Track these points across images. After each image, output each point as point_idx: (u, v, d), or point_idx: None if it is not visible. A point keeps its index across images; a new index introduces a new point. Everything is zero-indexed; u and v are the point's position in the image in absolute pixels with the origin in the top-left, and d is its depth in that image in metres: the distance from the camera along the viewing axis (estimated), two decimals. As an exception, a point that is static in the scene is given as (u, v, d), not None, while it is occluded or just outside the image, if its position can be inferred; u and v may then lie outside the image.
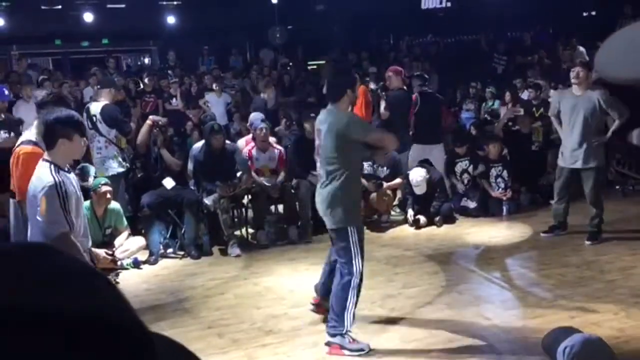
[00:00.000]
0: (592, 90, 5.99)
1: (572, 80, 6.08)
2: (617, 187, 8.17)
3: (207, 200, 6.49)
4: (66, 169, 3.43)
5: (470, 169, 7.78)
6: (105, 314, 0.43)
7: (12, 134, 6.87)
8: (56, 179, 3.28)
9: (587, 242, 6.16)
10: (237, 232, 6.94)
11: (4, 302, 0.40)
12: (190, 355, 0.55)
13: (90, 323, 0.42)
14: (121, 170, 6.55)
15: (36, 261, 0.45)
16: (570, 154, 6.12)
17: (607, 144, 6.37)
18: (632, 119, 5.88)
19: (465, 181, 7.78)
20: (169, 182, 6.61)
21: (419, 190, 7.14)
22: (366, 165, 7.41)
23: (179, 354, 0.55)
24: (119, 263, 6.00)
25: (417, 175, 7.13)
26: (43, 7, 14.09)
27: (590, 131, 5.99)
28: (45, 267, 0.45)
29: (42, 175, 3.32)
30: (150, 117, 6.95)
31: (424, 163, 7.33)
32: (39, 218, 3.29)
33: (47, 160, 3.38)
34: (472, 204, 7.56)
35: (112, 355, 0.42)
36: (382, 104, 7.86)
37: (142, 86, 10.82)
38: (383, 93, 7.96)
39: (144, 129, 6.77)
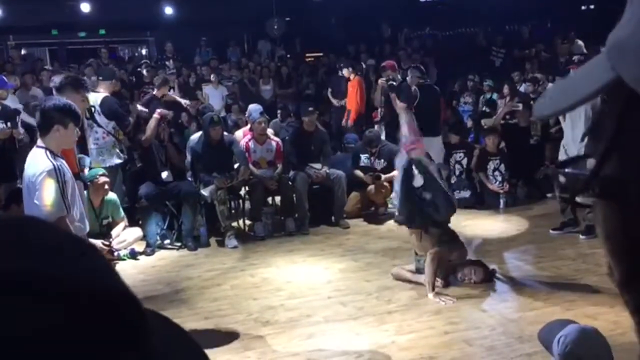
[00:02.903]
0: None
1: None
2: None
3: (205, 192, 6.48)
4: (60, 156, 3.45)
5: (465, 161, 7.79)
6: (97, 284, 0.44)
7: (9, 124, 6.85)
8: (54, 163, 3.30)
9: (582, 237, 6.13)
10: (234, 224, 6.95)
11: None
12: (185, 334, 0.55)
13: (81, 292, 0.42)
14: (119, 161, 6.53)
15: (25, 232, 0.45)
16: (574, 148, 6.10)
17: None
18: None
19: (458, 172, 7.80)
20: (166, 173, 6.59)
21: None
22: (363, 158, 7.41)
23: (173, 330, 0.55)
24: (115, 254, 5.99)
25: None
26: (40, -3, 14.03)
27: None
28: (35, 237, 0.45)
29: (39, 160, 3.34)
30: (158, 110, 6.86)
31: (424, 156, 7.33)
32: (36, 202, 3.30)
33: (41, 147, 3.40)
34: (466, 194, 7.58)
35: (104, 324, 0.42)
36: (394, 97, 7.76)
37: (146, 74, 10.74)
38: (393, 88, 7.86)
39: (152, 123, 6.61)
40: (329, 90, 10.82)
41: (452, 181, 7.75)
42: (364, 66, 11.23)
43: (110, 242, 5.96)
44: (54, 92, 4.25)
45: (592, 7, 15.40)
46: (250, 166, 6.93)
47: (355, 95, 9.78)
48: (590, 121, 5.96)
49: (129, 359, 0.43)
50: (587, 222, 6.18)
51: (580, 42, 11.38)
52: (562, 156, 6.32)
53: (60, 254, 0.44)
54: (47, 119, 3.41)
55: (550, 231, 6.48)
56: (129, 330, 0.43)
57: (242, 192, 7.14)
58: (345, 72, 10.01)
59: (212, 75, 11.10)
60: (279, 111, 10.07)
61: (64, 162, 3.46)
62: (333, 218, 7.12)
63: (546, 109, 0.66)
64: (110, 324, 0.42)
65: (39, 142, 3.46)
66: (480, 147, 7.97)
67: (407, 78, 8.09)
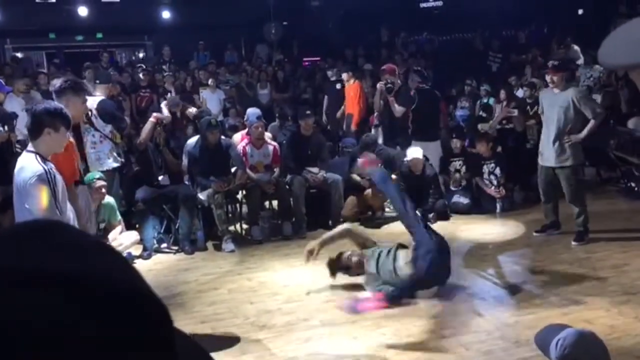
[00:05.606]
0: (568, 89, 6.06)
1: (549, 85, 6.14)
2: (622, 183, 8.21)
3: (202, 196, 6.48)
4: (49, 160, 3.43)
5: (464, 168, 7.80)
6: (121, 283, 0.44)
7: (6, 127, 6.83)
8: (45, 167, 3.28)
9: (574, 243, 6.09)
10: (231, 228, 6.95)
11: (20, 265, 0.41)
12: (193, 342, 0.56)
13: (105, 290, 0.42)
14: (116, 165, 6.51)
15: (51, 232, 0.45)
16: (547, 152, 6.12)
17: (606, 130, 6.38)
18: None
19: (458, 179, 7.80)
20: (163, 178, 6.60)
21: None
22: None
23: (182, 338, 0.55)
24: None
25: (415, 153, 7.13)
26: (37, 1, 14.03)
27: (565, 129, 5.96)
28: (60, 237, 0.45)
29: (30, 165, 3.31)
30: (154, 114, 6.83)
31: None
32: (27, 206, 3.28)
33: (31, 151, 3.38)
34: (465, 200, 7.58)
35: (128, 322, 0.42)
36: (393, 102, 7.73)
37: (142, 77, 10.71)
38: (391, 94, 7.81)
39: (148, 127, 6.60)
40: (325, 101, 10.39)
41: (452, 188, 7.76)
42: (368, 68, 11.04)
43: (107, 246, 5.95)
44: (53, 95, 4.20)
45: (588, 12, 15.45)
46: (248, 170, 6.93)
47: (357, 99, 9.67)
48: (561, 124, 5.97)
49: (153, 357, 0.43)
50: (578, 228, 6.17)
51: (576, 47, 11.41)
52: (539, 160, 6.30)
53: (80, 252, 0.44)
54: (38, 122, 3.37)
55: (534, 233, 6.50)
56: (152, 328, 0.44)
57: (239, 195, 7.14)
58: (344, 76, 9.79)
59: (209, 79, 11.10)
60: (277, 116, 10.05)
61: (53, 166, 3.44)
62: (330, 222, 7.11)
63: (615, 57, 0.61)
64: (134, 323, 0.42)
65: (29, 146, 3.44)
66: (475, 152, 7.97)
67: (409, 81, 8.09)
